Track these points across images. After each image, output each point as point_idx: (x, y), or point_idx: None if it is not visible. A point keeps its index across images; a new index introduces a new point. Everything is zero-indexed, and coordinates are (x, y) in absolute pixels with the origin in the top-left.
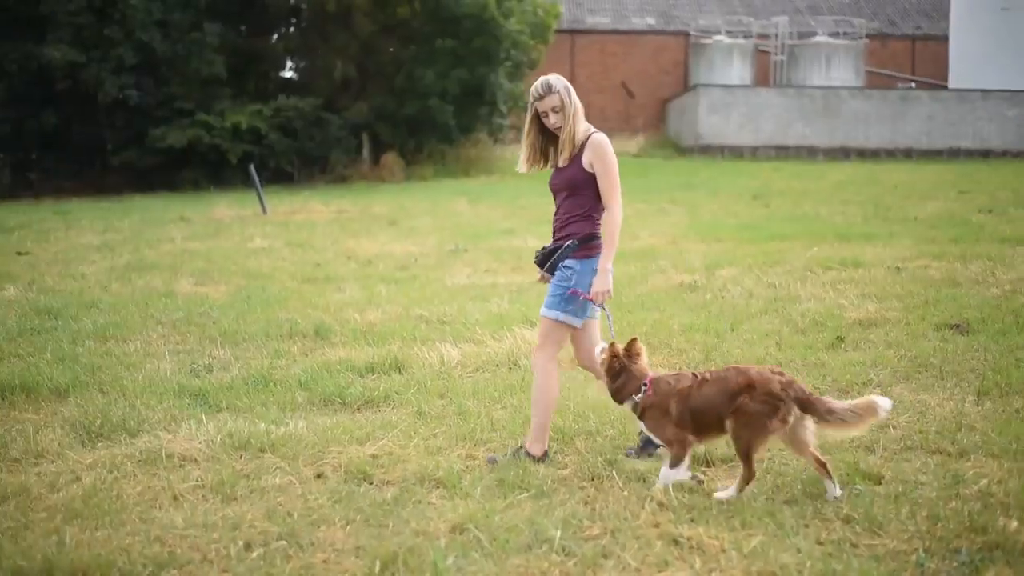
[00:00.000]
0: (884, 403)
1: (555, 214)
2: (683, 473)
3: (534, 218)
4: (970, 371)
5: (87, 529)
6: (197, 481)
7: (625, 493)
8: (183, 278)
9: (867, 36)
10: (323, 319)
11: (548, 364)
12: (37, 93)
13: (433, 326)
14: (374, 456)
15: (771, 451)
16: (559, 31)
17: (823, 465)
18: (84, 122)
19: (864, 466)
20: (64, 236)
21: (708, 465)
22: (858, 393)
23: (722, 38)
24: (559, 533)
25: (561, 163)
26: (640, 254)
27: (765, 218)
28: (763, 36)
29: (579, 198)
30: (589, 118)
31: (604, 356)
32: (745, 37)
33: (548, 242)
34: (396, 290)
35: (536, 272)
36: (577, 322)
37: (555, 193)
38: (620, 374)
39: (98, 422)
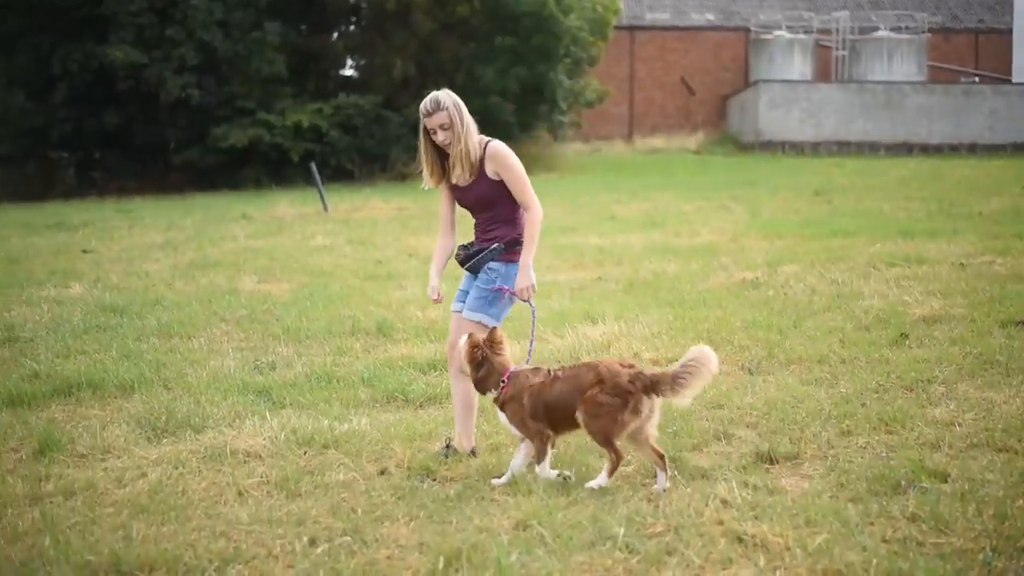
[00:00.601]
0: (706, 350)
1: (476, 223)
2: (548, 469)
3: (595, 215)
4: None
5: (153, 524)
6: (262, 477)
7: (688, 490)
8: (246, 276)
9: (929, 30)
10: (385, 316)
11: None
12: (99, 93)
13: None
14: (437, 452)
15: (833, 448)
16: (618, 27)
17: (661, 457)
18: (146, 121)
19: (930, 464)
20: (128, 234)
21: (772, 463)
22: (923, 391)
23: (783, 33)
24: (623, 530)
25: (462, 182)
26: (701, 251)
27: (827, 214)
28: (824, 31)
29: (497, 208)
30: (650, 115)
31: (466, 347)
32: (806, 32)
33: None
34: (457, 287)
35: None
36: (493, 322)
37: (470, 209)
38: (482, 365)
39: (163, 418)
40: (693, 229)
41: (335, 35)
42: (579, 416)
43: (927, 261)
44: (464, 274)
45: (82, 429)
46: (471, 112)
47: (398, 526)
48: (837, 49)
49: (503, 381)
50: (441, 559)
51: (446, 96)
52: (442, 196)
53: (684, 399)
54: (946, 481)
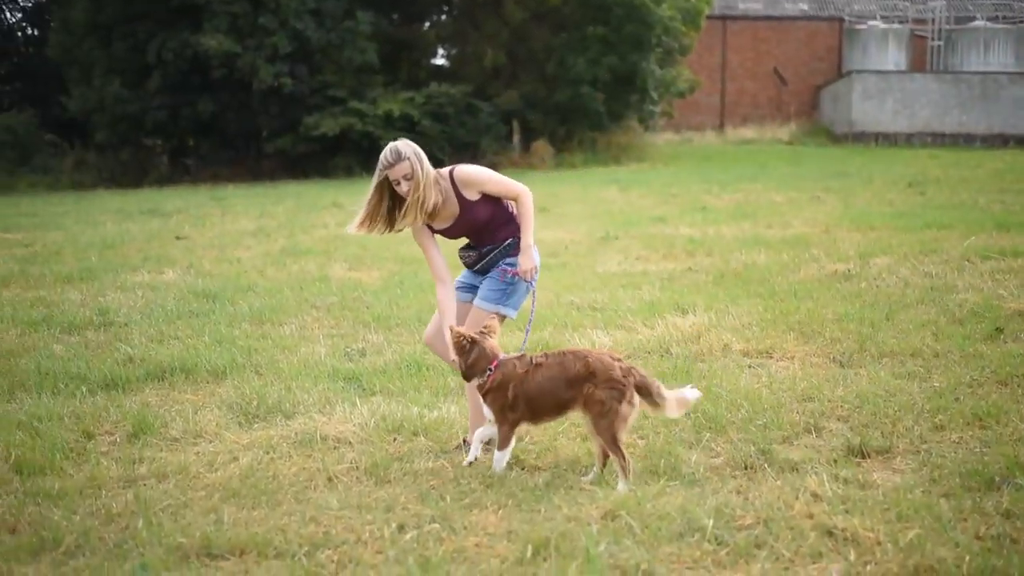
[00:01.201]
0: (693, 395)
1: (476, 241)
2: (504, 462)
3: (686, 206)
4: None
5: (244, 508)
6: (351, 463)
7: (778, 483)
8: (337, 263)
9: None
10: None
11: None
12: (193, 81)
13: (584, 312)
14: (525, 441)
15: (926, 442)
16: (711, 17)
17: (605, 457)
18: (239, 110)
19: None
20: (220, 221)
21: (863, 456)
22: (1018, 386)
23: (877, 23)
24: (711, 522)
25: (437, 224)
26: (793, 242)
27: (921, 206)
28: (919, 21)
29: (493, 220)
30: (741, 105)
31: (452, 336)
32: (901, 22)
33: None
34: (547, 276)
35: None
36: (514, 314)
37: (466, 236)
38: (471, 350)
39: (255, 403)
40: (785, 220)
41: (427, 24)
42: (584, 419)
43: (1023, 255)
44: (466, 271)
45: (175, 413)
46: (563, 102)
47: (487, 514)
48: (932, 39)
49: (490, 369)
50: (529, 547)
51: (405, 146)
52: (424, 244)
53: (651, 411)
54: None
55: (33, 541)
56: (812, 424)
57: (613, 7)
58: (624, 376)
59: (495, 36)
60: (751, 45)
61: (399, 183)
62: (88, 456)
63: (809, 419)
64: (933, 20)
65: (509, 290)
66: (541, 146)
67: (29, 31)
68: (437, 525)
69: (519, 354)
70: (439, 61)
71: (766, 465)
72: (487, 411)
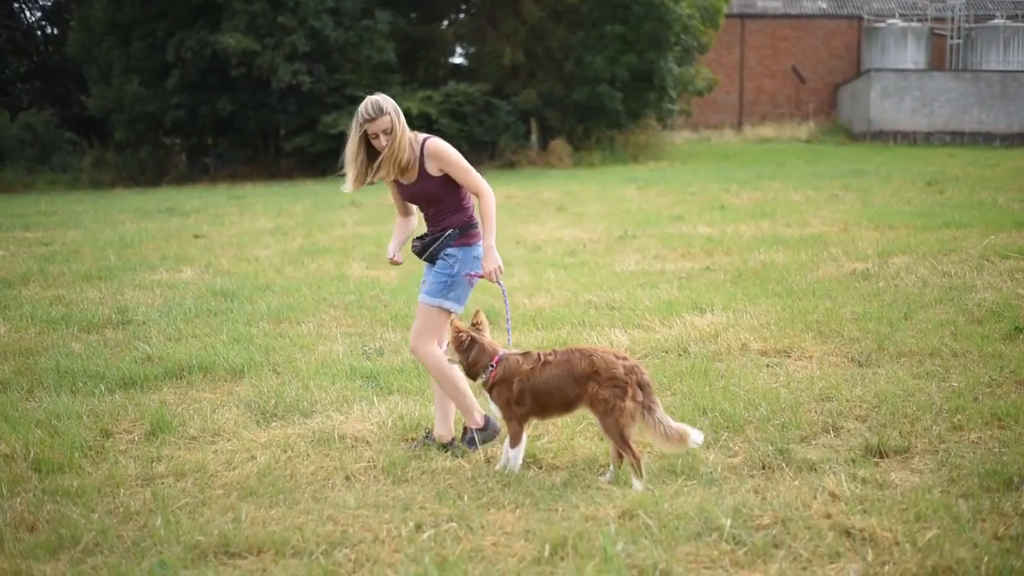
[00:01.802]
0: (696, 437)
1: (425, 215)
2: (520, 460)
3: (704, 204)
4: None
5: (262, 507)
6: (369, 462)
7: (796, 483)
8: (354, 262)
9: None
10: (493, 304)
11: (433, 348)
12: (212, 79)
13: (602, 311)
14: (542, 440)
15: (944, 442)
16: (729, 15)
17: (620, 457)
18: (257, 108)
19: None
20: (238, 220)
21: (881, 456)
22: None
23: (896, 21)
24: (729, 521)
25: (406, 180)
26: (811, 241)
27: (939, 205)
28: (938, 19)
29: (443, 201)
30: (759, 103)
31: (451, 333)
32: (920, 20)
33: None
34: (565, 275)
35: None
36: (460, 309)
37: (415, 204)
38: (471, 348)
39: (272, 402)
40: (803, 219)
41: (445, 23)
42: (593, 417)
43: None
44: (425, 266)
45: (193, 412)
46: (581, 100)
47: (504, 513)
48: (952, 37)
49: (492, 365)
50: (547, 547)
51: (385, 100)
52: (392, 192)
53: (646, 432)
54: None
55: (52, 539)
56: (830, 424)
57: (632, 5)
58: (626, 374)
59: (513, 35)
60: (770, 43)
61: (378, 137)
62: (106, 454)
63: (827, 419)
64: (952, 18)
65: (450, 282)
66: (559, 145)
67: (49, 30)
68: (455, 524)
69: (523, 351)
70: (457, 60)
71: (784, 465)
72: (493, 407)
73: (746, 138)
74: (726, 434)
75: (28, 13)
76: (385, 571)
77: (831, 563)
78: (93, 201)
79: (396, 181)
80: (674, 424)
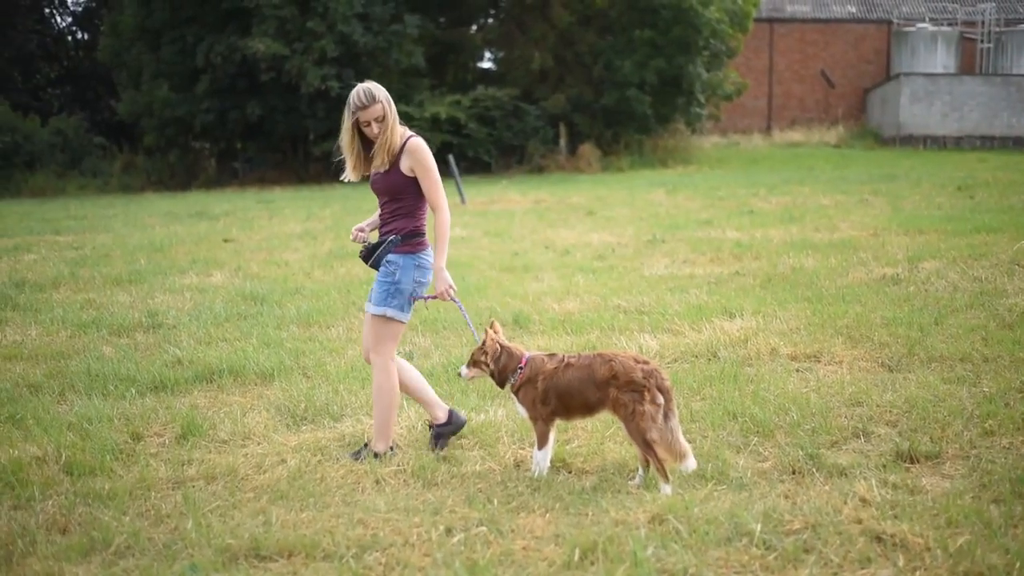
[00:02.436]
0: (691, 464)
1: (379, 214)
2: (547, 460)
3: (733, 209)
4: None
5: (292, 510)
6: (398, 466)
7: (827, 488)
8: None
9: None
10: (522, 308)
11: (388, 363)
12: (241, 84)
13: (631, 316)
14: (572, 444)
15: (976, 447)
16: (758, 20)
17: (648, 461)
18: (287, 113)
19: None
20: (268, 224)
21: (912, 461)
22: None
23: (926, 26)
24: (759, 526)
25: (377, 168)
26: (840, 246)
27: (970, 210)
28: (968, 23)
29: (401, 200)
30: (788, 108)
31: (488, 343)
32: (950, 24)
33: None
34: (594, 280)
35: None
36: (405, 317)
37: (377, 195)
38: (501, 356)
39: (303, 406)
40: (832, 224)
41: (474, 28)
42: (618, 422)
43: None
44: (375, 274)
45: (223, 415)
46: (610, 105)
47: (534, 517)
48: (982, 42)
49: (520, 367)
50: (577, 551)
51: (377, 88)
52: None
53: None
54: None
55: (83, 541)
56: (860, 429)
57: (660, 10)
58: (645, 377)
59: (542, 39)
60: (798, 48)
61: (370, 124)
62: (137, 457)
63: (857, 424)
64: (982, 22)
65: (392, 290)
66: (588, 149)
67: (79, 35)
68: (484, 528)
69: (549, 352)
70: (486, 64)
71: (814, 470)
72: (520, 409)
73: (775, 143)
74: (756, 439)
75: (59, 18)
76: (415, 575)
77: (862, 568)
78: (123, 205)
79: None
80: (682, 440)
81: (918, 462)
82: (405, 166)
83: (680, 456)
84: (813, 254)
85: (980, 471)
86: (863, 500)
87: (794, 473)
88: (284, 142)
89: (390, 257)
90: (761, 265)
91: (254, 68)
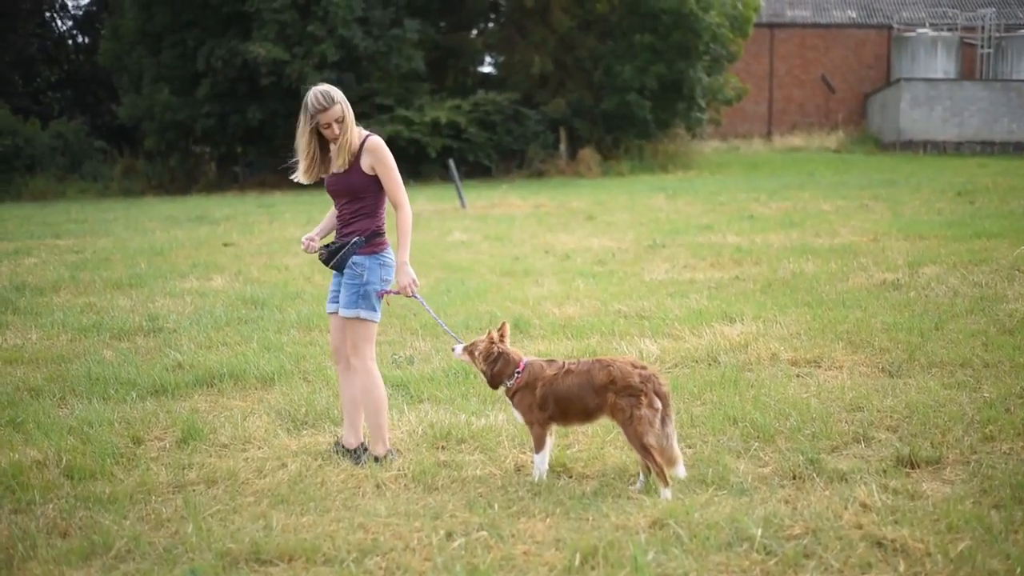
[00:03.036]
0: (679, 472)
1: (338, 215)
2: (545, 464)
3: (733, 214)
4: None
5: (293, 514)
6: (399, 470)
7: (827, 493)
8: None
9: None
10: (522, 312)
11: (369, 364)
12: (242, 89)
13: (632, 321)
14: (573, 449)
15: (976, 453)
16: (758, 25)
17: (648, 466)
18: (287, 117)
19: None
20: (268, 228)
21: (913, 467)
22: None
23: (926, 31)
24: (760, 531)
25: (337, 169)
26: (840, 251)
27: (970, 215)
28: (969, 29)
29: (363, 200)
30: (789, 113)
31: (484, 344)
32: (950, 30)
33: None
34: (594, 284)
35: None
36: (376, 316)
37: (335, 197)
38: (497, 360)
39: (303, 410)
40: (832, 229)
41: (474, 32)
42: (618, 427)
43: None
44: (332, 275)
45: (224, 419)
46: (610, 109)
47: (534, 522)
48: (982, 47)
49: (517, 372)
50: (577, 555)
51: (334, 90)
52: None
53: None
54: None
55: (84, 545)
56: (861, 434)
57: (661, 15)
58: (642, 382)
59: (542, 44)
60: (799, 53)
61: (329, 126)
62: (138, 461)
63: (858, 429)
64: (983, 27)
65: (361, 291)
66: (588, 154)
67: (80, 39)
68: (485, 533)
69: (549, 358)
70: (486, 69)
71: (815, 475)
72: (515, 413)
73: (775, 148)
74: (756, 444)
75: (59, 22)
76: None
77: (863, 574)
78: (123, 209)
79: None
80: (676, 447)
81: (918, 467)
82: (366, 164)
83: (671, 462)
84: (813, 259)
85: (980, 476)
86: (864, 505)
87: (795, 478)
88: (285, 147)
89: (355, 259)
90: (761, 270)
91: (255, 72)
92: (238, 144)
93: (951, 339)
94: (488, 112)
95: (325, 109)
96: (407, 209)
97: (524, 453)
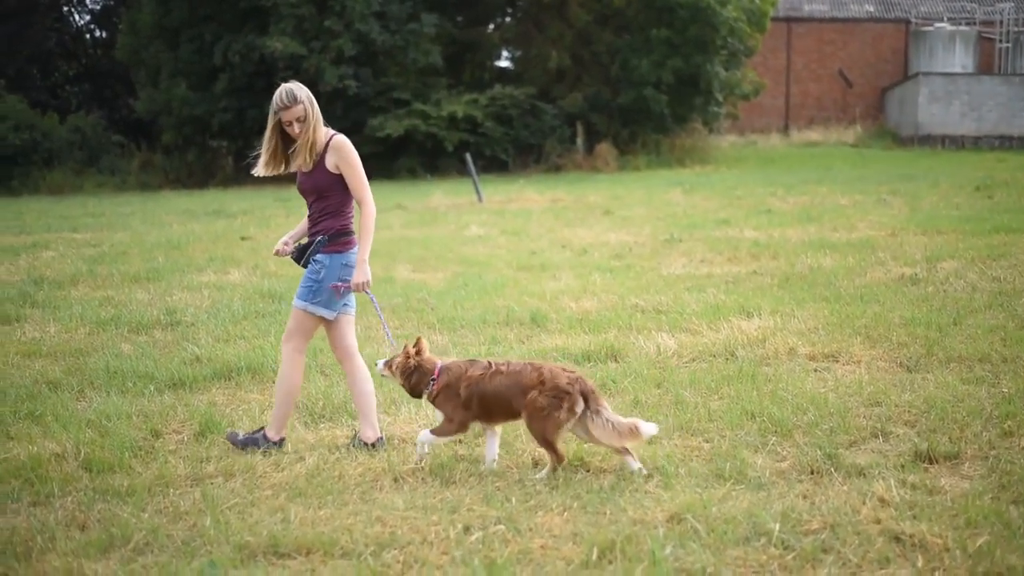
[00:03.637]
0: (647, 429)
1: (308, 215)
2: (427, 448)
3: (751, 208)
4: None
5: (310, 507)
6: (416, 464)
7: (845, 488)
8: (401, 265)
9: None
10: (539, 307)
11: (295, 354)
12: (259, 83)
13: (649, 315)
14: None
15: (995, 448)
16: (775, 19)
17: (626, 449)
18: None
19: None
20: (285, 222)
21: (931, 462)
22: None
23: (944, 25)
24: (778, 526)
25: (304, 168)
26: (858, 245)
27: (988, 210)
28: (987, 23)
29: (328, 199)
30: (806, 107)
31: (400, 360)
32: (968, 24)
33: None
34: (611, 279)
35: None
36: (329, 314)
37: (304, 195)
38: (414, 373)
39: (320, 404)
40: (850, 223)
41: (491, 26)
42: (523, 417)
43: None
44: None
45: (242, 412)
46: (627, 104)
47: (552, 516)
48: (1001, 41)
49: (433, 379)
50: (595, 550)
51: (299, 89)
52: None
53: (592, 435)
54: None
55: (103, 538)
56: (879, 429)
57: (677, 9)
58: (569, 384)
59: (559, 38)
60: (816, 47)
61: (291, 124)
62: (156, 454)
63: (876, 424)
64: (1001, 22)
65: (316, 288)
66: (605, 148)
67: (97, 33)
68: (503, 527)
69: (469, 359)
70: (503, 63)
71: (832, 469)
72: (438, 414)
73: (792, 142)
74: (774, 438)
75: (77, 16)
76: (433, 573)
77: (881, 569)
78: (141, 203)
79: (299, 170)
80: (624, 420)
81: (937, 462)
82: (331, 163)
83: (632, 432)
84: (831, 254)
85: (999, 472)
86: (882, 500)
87: (812, 473)
88: None
89: (318, 256)
90: (779, 264)
91: (272, 67)
92: (255, 138)
93: (969, 334)
94: (505, 106)
95: (287, 107)
96: (371, 207)
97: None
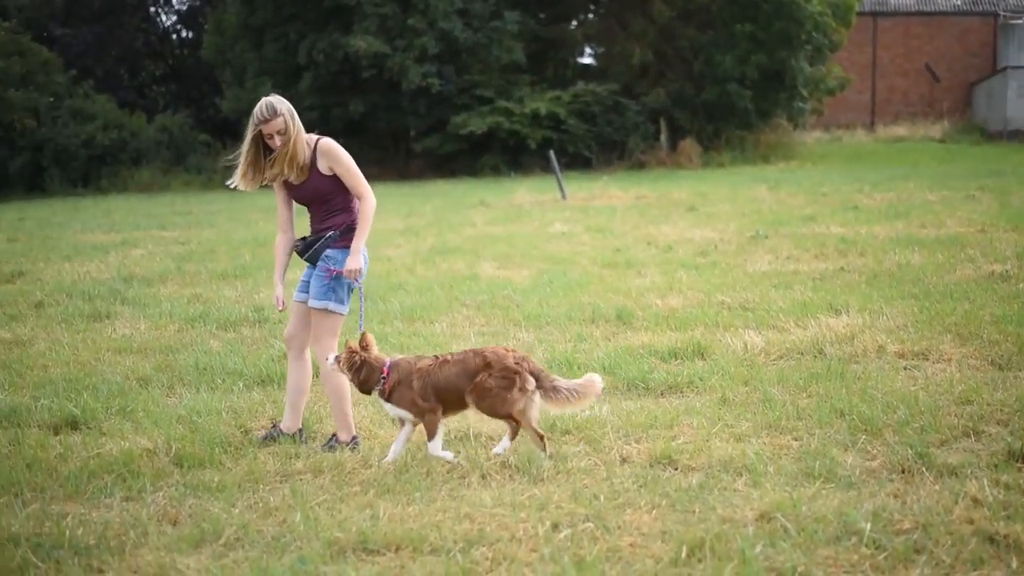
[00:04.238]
0: (595, 378)
1: (311, 217)
2: (440, 449)
3: (837, 205)
4: None
5: (399, 504)
6: (504, 461)
7: (937, 487)
8: (485, 262)
9: None
10: (624, 304)
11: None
12: (343, 82)
13: (735, 312)
14: (678, 441)
15: None
16: (861, 13)
17: (541, 438)
18: (388, 110)
19: None
20: None
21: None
22: None
23: None
24: (869, 526)
25: (295, 180)
26: (947, 242)
27: None
28: None
29: (332, 200)
30: (892, 102)
31: (344, 355)
32: None
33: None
34: (697, 276)
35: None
36: (344, 309)
37: (306, 204)
38: (361, 368)
39: None
40: (939, 220)
41: (573, 23)
42: (468, 400)
43: None
44: (306, 265)
45: (329, 410)
46: (711, 100)
47: (640, 514)
48: None
49: (383, 376)
50: (684, 548)
51: (280, 102)
52: (277, 196)
53: (555, 409)
54: None
55: (194, 533)
56: (971, 428)
57: (762, 4)
58: (517, 363)
59: (642, 34)
60: (902, 41)
61: (272, 137)
62: (245, 450)
63: (968, 422)
64: None
65: (333, 285)
66: (689, 145)
67: (184, 34)
68: (591, 524)
69: (415, 354)
70: (586, 60)
71: (924, 469)
72: (396, 411)
73: (878, 138)
74: (864, 437)
75: (164, 17)
76: (523, 570)
77: (974, 570)
78: (227, 201)
79: (286, 183)
80: (577, 381)
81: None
82: (323, 167)
83: (588, 388)
84: (919, 250)
85: None
86: (975, 500)
87: (903, 472)
88: (385, 139)
89: (328, 252)
90: (866, 261)
91: (356, 66)
92: (340, 137)
93: None
94: (588, 103)
95: (266, 120)
96: (370, 199)
97: (629, 444)
